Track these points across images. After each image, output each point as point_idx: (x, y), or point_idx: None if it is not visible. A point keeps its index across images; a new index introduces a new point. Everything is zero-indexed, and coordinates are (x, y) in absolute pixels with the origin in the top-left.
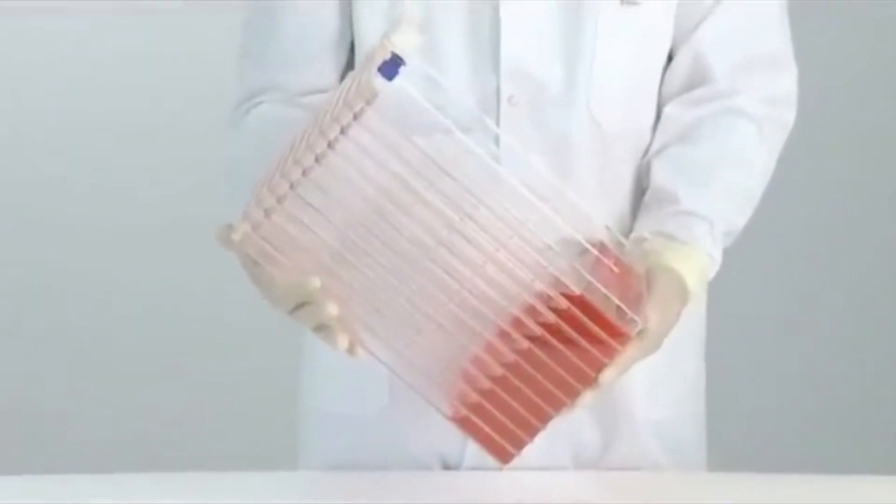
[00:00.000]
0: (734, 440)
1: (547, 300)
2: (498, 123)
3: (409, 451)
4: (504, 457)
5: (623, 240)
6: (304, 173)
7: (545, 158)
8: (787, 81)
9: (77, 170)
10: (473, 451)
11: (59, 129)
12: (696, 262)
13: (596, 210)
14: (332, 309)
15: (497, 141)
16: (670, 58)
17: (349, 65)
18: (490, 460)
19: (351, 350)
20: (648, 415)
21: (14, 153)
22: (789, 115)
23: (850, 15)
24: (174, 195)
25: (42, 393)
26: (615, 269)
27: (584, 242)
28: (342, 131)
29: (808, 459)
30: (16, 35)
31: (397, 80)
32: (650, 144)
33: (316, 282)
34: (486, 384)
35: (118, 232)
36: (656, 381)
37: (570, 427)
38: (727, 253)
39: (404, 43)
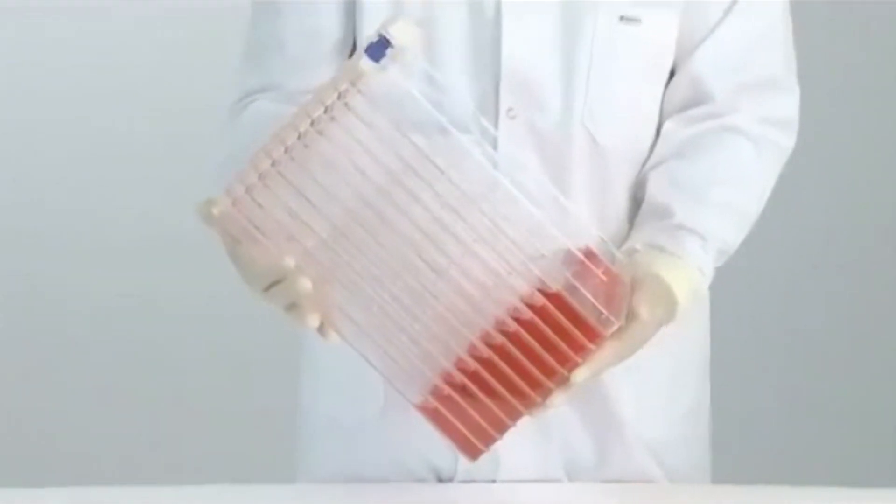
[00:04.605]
0: (737, 454)
1: (525, 297)
2: (496, 136)
3: (403, 460)
4: (472, 453)
5: (615, 250)
6: (286, 150)
7: (542, 171)
8: (788, 104)
9: (71, 174)
10: (466, 464)
11: (51, 136)
12: (685, 274)
13: (590, 220)
14: (305, 284)
15: (495, 144)
16: (671, 74)
17: None
18: (482, 472)
19: (322, 331)
20: (643, 433)
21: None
22: (788, 139)
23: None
24: (169, 203)
25: (36, 404)
26: (603, 277)
27: (571, 247)
28: (326, 111)
29: (812, 472)
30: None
31: (391, 69)
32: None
33: (290, 260)
34: (460, 378)
35: (112, 237)
36: (654, 403)
37: (564, 443)
38: (731, 264)
39: (402, 35)
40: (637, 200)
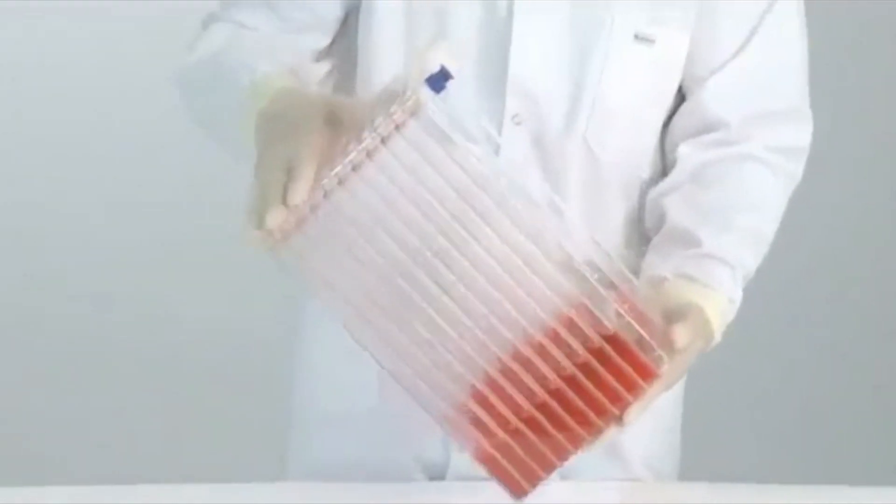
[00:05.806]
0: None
1: (580, 335)
2: (500, 141)
3: (395, 455)
4: (520, 492)
5: (632, 277)
6: (339, 182)
7: (541, 179)
8: (801, 135)
9: (71, 174)
10: (458, 459)
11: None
12: (718, 304)
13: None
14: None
15: (497, 149)
16: (680, 96)
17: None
18: (474, 470)
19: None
20: (633, 438)
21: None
22: (798, 169)
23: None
24: (167, 203)
25: (35, 404)
26: (627, 316)
27: (595, 285)
28: (382, 142)
29: (783, 471)
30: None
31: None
32: (646, 177)
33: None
34: (515, 423)
35: (111, 237)
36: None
37: None
38: None
39: (448, 62)
40: (632, 217)
